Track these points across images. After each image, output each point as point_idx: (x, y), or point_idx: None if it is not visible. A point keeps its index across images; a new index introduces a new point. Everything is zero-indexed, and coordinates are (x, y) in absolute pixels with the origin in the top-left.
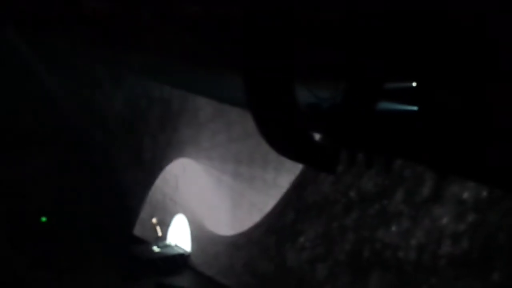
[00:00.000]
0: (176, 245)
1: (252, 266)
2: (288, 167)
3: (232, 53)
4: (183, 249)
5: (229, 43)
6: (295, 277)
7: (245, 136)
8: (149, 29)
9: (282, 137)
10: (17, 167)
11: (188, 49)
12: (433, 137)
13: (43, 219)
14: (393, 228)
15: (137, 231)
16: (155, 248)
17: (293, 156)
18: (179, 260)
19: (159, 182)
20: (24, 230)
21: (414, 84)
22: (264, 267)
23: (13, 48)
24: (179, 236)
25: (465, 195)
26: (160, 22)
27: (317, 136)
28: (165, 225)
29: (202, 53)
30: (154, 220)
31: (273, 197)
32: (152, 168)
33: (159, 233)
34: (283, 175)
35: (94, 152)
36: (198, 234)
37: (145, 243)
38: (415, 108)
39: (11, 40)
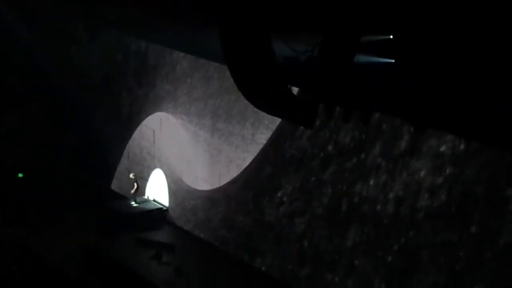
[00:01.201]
0: (154, 200)
1: (229, 220)
2: (266, 124)
3: (208, 6)
4: (161, 204)
5: None
6: (273, 232)
7: (223, 92)
8: None
9: (260, 91)
10: None
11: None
12: (410, 90)
13: (20, 175)
14: (371, 182)
15: (115, 186)
16: (134, 203)
17: (271, 110)
18: (158, 215)
19: (136, 136)
20: (0, 188)
21: (390, 36)
22: (241, 221)
23: None
24: (157, 191)
25: (443, 148)
26: None
27: (294, 90)
28: (143, 180)
29: (178, 6)
30: (131, 175)
31: (251, 153)
32: (129, 123)
33: (136, 188)
34: (262, 131)
35: (72, 108)
36: (176, 188)
37: (123, 199)
38: (392, 60)
39: None
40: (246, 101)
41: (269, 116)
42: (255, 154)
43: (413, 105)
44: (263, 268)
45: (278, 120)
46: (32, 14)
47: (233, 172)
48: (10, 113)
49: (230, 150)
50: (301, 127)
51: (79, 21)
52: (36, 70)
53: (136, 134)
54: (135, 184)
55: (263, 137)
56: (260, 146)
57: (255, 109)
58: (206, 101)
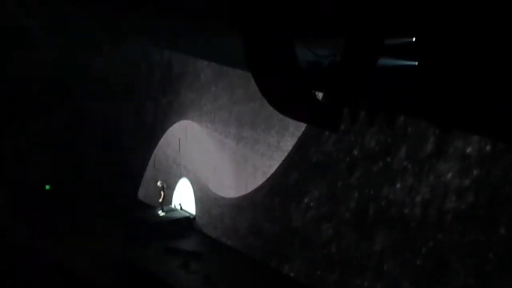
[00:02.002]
0: (181, 208)
1: (256, 227)
2: (291, 131)
3: (231, 14)
4: (188, 212)
5: (227, 5)
6: (300, 237)
7: (247, 99)
8: None
9: (284, 97)
10: (21, 135)
11: (186, 10)
12: (435, 92)
13: (47, 187)
14: (398, 185)
15: (141, 195)
16: (161, 212)
17: (296, 115)
18: (185, 223)
19: (161, 145)
20: (27, 198)
21: (413, 39)
22: (268, 228)
23: (14, 16)
24: (183, 199)
25: (469, 149)
26: None
27: (319, 95)
28: (169, 188)
29: (201, 14)
30: (159, 184)
31: (277, 161)
32: (154, 131)
33: (163, 197)
34: (287, 139)
35: (97, 117)
36: (202, 196)
37: (150, 208)
38: (415, 63)
39: (12, 9)
40: (271, 108)
41: (295, 123)
42: (281, 162)
43: (438, 107)
44: (291, 274)
45: (303, 127)
46: (55, 24)
47: (259, 179)
48: (35, 124)
49: (256, 158)
50: (326, 132)
51: (103, 30)
52: (61, 80)
53: (162, 142)
54: (162, 192)
55: (288, 145)
56: (286, 154)
57: (280, 116)
58: (231, 109)
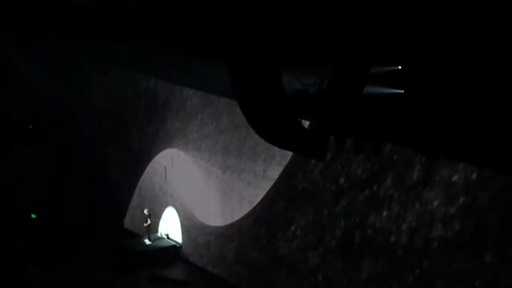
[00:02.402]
0: (167, 237)
1: (243, 255)
2: (278, 160)
3: (216, 43)
4: (174, 241)
5: (213, 33)
6: (286, 266)
7: (234, 128)
8: (132, 21)
9: (270, 125)
10: (6, 164)
11: (172, 39)
12: (421, 120)
13: (33, 215)
14: (384, 213)
15: (127, 223)
16: (147, 241)
17: (282, 144)
18: (171, 252)
19: (147, 172)
20: (13, 227)
21: (399, 67)
22: (255, 256)
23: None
24: (170, 227)
25: (455, 177)
26: (142, 14)
27: (305, 123)
28: (155, 216)
29: (186, 44)
30: (145, 212)
31: (263, 190)
32: (140, 159)
33: (149, 224)
34: (273, 167)
35: (83, 145)
36: (189, 225)
37: (136, 236)
38: (401, 91)
39: None
40: (257, 137)
41: (281, 152)
42: (268, 190)
43: (424, 135)
44: None
45: (289, 156)
46: (41, 52)
47: (246, 208)
48: (21, 151)
49: (242, 187)
50: (313, 161)
51: (89, 59)
52: (46, 108)
53: (148, 170)
54: (148, 220)
55: (275, 173)
56: (272, 183)
57: (266, 145)
58: (217, 138)
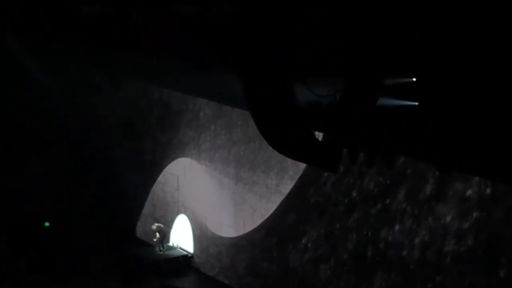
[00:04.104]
0: (179, 247)
1: (254, 267)
2: (291, 174)
3: (230, 53)
4: (186, 251)
5: (226, 44)
6: (297, 278)
7: (247, 139)
8: (144, 30)
9: (283, 136)
10: (19, 173)
11: (184, 50)
12: (435, 133)
13: (46, 224)
14: (397, 227)
15: (139, 232)
16: (158, 250)
17: (295, 155)
18: (182, 262)
19: (160, 182)
20: (25, 235)
21: (413, 79)
22: (266, 268)
23: (12, 55)
24: (182, 237)
25: (469, 192)
26: (154, 23)
27: (319, 135)
28: (167, 226)
29: (198, 54)
30: (154, 227)
31: (275, 203)
32: (152, 169)
33: (159, 238)
34: (286, 182)
35: (95, 155)
36: (201, 234)
37: (148, 246)
38: (415, 103)
39: (10, 48)
40: (270, 150)
41: (294, 167)
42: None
43: (438, 148)
44: None
45: (302, 170)
46: (54, 63)
47: (257, 221)
48: (34, 161)
49: (254, 199)
50: (325, 174)
51: (101, 70)
52: (60, 118)
53: (160, 180)
54: (157, 234)
55: (287, 188)
56: (284, 197)
57: (279, 158)
58: (230, 149)
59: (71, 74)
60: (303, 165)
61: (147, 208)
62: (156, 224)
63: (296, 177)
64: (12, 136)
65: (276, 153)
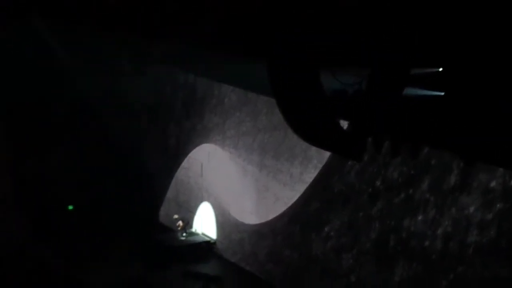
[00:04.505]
0: (202, 233)
1: (276, 254)
2: (315, 163)
3: (255, 41)
4: (208, 236)
5: (252, 31)
6: (319, 266)
7: (272, 127)
8: (171, 17)
9: (308, 124)
10: (43, 157)
11: (211, 36)
12: (460, 124)
13: (70, 207)
14: (420, 217)
15: (162, 217)
16: (181, 236)
17: (319, 143)
18: (205, 247)
19: (183, 167)
20: (49, 219)
21: (440, 69)
22: (288, 255)
23: (38, 38)
24: (205, 223)
25: (493, 183)
26: (181, 10)
27: (344, 124)
28: (190, 212)
29: (224, 40)
30: (175, 216)
31: (299, 192)
32: (176, 154)
33: (181, 226)
34: (311, 171)
35: (120, 140)
36: (223, 221)
37: (171, 231)
38: (441, 93)
39: (36, 31)
40: (295, 139)
41: (319, 156)
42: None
43: (463, 139)
44: None
45: (326, 159)
46: (80, 47)
47: (280, 209)
48: (59, 146)
49: (278, 188)
50: (349, 162)
51: (126, 55)
52: (85, 103)
53: (184, 165)
54: (180, 222)
55: (311, 177)
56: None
57: (304, 147)
58: (255, 136)
59: (98, 60)
60: (327, 154)
61: (170, 193)
62: (176, 215)
63: (320, 166)
64: (38, 121)
65: (301, 142)
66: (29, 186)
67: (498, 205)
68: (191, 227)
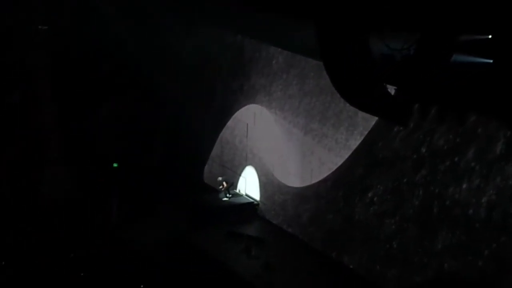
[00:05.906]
0: (245, 194)
1: (318, 218)
2: (361, 130)
3: (305, 4)
4: (252, 198)
5: None
6: (362, 231)
7: (318, 91)
8: None
9: (355, 88)
10: (90, 115)
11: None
12: (508, 92)
13: (115, 164)
14: (464, 186)
15: (207, 178)
16: (224, 197)
17: (365, 107)
18: (248, 209)
19: (228, 127)
20: (94, 175)
21: (489, 36)
22: (330, 219)
23: None
24: (248, 184)
25: None
26: None
27: (392, 89)
28: (234, 173)
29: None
30: (220, 178)
31: (343, 158)
32: (222, 114)
33: (225, 188)
34: (356, 138)
35: (166, 98)
36: (267, 182)
37: (214, 192)
38: (490, 61)
39: None
40: (341, 104)
41: (364, 123)
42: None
43: (510, 107)
44: (350, 266)
45: (372, 126)
46: (128, 6)
47: (324, 174)
48: (105, 103)
49: (322, 152)
50: (395, 129)
51: (175, 14)
52: (131, 61)
53: (229, 125)
54: (224, 183)
55: (356, 143)
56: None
57: (350, 113)
58: (301, 99)
59: (145, 18)
60: (373, 121)
61: (214, 152)
62: (220, 178)
63: (366, 133)
64: (85, 78)
65: (347, 107)
66: (75, 143)
67: None
68: (234, 188)
